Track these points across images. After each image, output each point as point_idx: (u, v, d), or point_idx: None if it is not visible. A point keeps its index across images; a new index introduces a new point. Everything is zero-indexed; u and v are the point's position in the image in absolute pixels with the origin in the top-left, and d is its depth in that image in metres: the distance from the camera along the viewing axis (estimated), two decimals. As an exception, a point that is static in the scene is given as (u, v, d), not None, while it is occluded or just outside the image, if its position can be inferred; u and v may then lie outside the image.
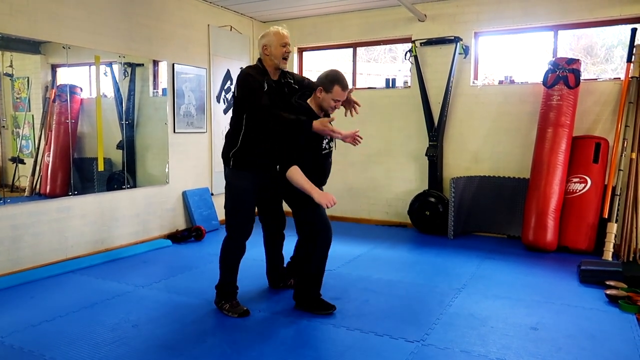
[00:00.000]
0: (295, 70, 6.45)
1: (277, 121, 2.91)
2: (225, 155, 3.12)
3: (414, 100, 5.64)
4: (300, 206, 3.07)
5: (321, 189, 3.08)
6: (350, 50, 6.19)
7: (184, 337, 2.73)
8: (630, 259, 4.41)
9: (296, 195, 3.01)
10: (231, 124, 3.12)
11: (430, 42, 5.49)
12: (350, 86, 3.04)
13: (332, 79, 2.92)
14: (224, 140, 3.17)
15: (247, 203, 3.09)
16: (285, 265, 3.59)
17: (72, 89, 4.26)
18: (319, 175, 3.15)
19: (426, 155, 5.43)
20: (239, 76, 3.03)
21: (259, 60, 3.05)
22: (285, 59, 3.00)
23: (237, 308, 3.07)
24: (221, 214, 5.77)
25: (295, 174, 2.85)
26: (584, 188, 4.57)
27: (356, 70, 6.22)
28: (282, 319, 3.00)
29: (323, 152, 3.15)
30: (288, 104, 3.03)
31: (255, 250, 4.71)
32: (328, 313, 3.06)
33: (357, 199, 6.09)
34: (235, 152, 3.04)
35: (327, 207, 2.89)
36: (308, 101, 3.04)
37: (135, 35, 4.75)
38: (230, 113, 6.01)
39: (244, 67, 6.10)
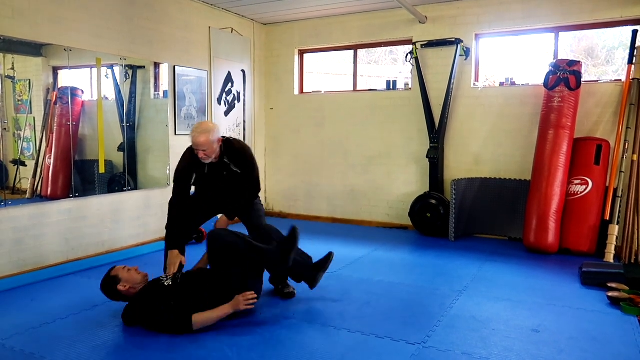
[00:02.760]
0: (296, 72, 6.46)
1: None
2: None
3: (414, 102, 5.64)
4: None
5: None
6: (351, 52, 6.20)
7: (185, 338, 2.72)
8: (632, 261, 4.41)
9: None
10: None
11: (431, 44, 5.49)
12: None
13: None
14: None
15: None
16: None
17: (74, 92, 4.27)
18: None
19: (427, 157, 5.43)
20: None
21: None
22: (203, 160, 3.24)
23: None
24: (222, 216, 5.78)
25: (201, 319, 2.78)
26: (585, 190, 4.56)
27: (357, 72, 6.22)
28: (283, 321, 2.99)
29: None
30: (226, 181, 3.35)
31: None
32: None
33: (358, 201, 6.09)
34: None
35: (249, 307, 2.86)
36: None
37: (137, 37, 4.75)
38: (231, 114, 6.03)
39: (245, 69, 6.16)
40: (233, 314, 2.87)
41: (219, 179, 3.38)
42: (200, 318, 2.75)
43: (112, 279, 2.92)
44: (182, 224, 3.37)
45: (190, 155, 3.34)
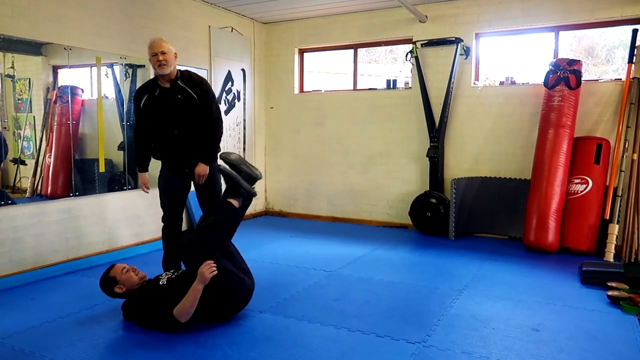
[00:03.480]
0: (296, 71, 6.46)
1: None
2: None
3: (414, 101, 5.64)
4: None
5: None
6: (351, 51, 6.20)
7: (185, 337, 2.72)
8: (632, 260, 4.41)
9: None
10: None
11: (431, 43, 5.49)
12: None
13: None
14: None
15: (165, 197, 3.63)
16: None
17: (74, 90, 4.26)
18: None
19: (427, 156, 5.43)
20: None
21: None
22: (160, 66, 3.28)
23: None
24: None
25: (180, 309, 2.73)
26: (585, 189, 4.56)
27: (357, 71, 6.22)
28: (283, 320, 3.00)
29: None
30: (177, 110, 3.36)
31: (256, 251, 4.72)
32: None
33: (358, 200, 6.09)
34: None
35: (214, 273, 2.77)
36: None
37: (137, 36, 4.75)
38: (231, 113, 6.03)
39: (245, 68, 6.16)
40: (230, 313, 2.87)
41: (173, 103, 3.36)
42: (179, 308, 2.71)
43: (110, 281, 2.93)
44: (147, 148, 3.54)
45: (147, 81, 3.55)
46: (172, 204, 3.62)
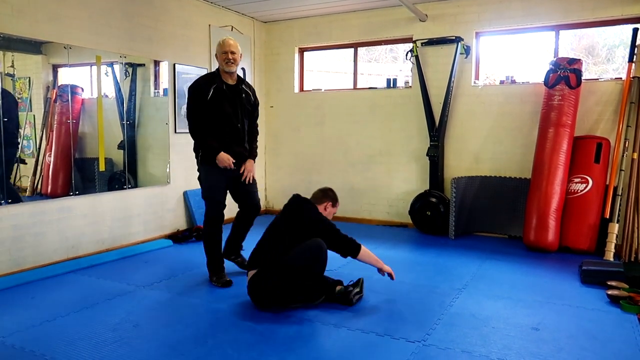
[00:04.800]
0: (296, 70, 6.46)
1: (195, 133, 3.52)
2: (195, 152, 3.60)
3: (415, 100, 5.63)
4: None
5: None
6: (351, 50, 6.19)
7: (185, 337, 2.73)
8: (632, 259, 4.41)
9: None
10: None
11: (431, 42, 5.48)
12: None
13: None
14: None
15: (216, 194, 3.59)
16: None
17: (74, 89, 4.26)
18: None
19: (427, 155, 5.43)
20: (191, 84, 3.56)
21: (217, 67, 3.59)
22: (227, 64, 3.51)
23: (221, 278, 3.59)
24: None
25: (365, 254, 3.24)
26: (585, 188, 4.56)
27: (357, 71, 6.22)
28: (283, 319, 3.00)
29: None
30: (241, 106, 3.56)
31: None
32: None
33: (358, 199, 6.09)
34: (202, 149, 3.53)
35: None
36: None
37: (137, 35, 4.75)
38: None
39: (245, 67, 6.16)
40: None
41: (239, 98, 3.56)
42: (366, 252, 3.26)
43: None
44: (210, 138, 3.50)
45: (207, 74, 3.60)
46: (222, 199, 3.62)
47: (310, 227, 3.20)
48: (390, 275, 3.31)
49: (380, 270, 3.32)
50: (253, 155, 3.72)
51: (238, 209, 3.81)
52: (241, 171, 3.60)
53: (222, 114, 3.48)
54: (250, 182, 3.67)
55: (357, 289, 3.29)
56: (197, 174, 3.64)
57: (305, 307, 3.16)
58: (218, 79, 3.51)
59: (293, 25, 6.37)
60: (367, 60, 7.65)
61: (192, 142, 3.54)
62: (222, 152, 3.45)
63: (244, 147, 3.63)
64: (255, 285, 3.07)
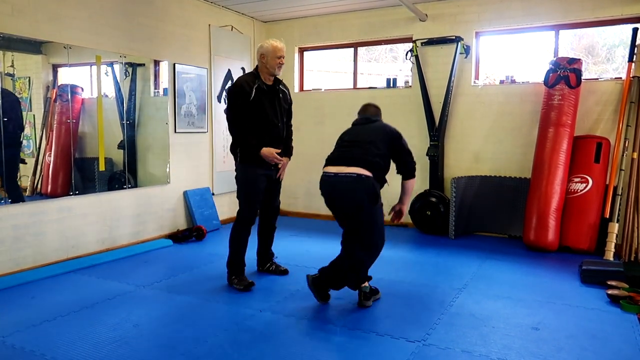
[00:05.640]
0: (296, 71, 6.45)
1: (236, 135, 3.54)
2: (233, 150, 3.61)
3: (415, 100, 5.63)
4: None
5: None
6: (351, 50, 6.19)
7: (185, 336, 2.73)
8: (632, 259, 4.41)
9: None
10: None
11: (431, 42, 5.48)
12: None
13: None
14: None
15: (254, 194, 3.58)
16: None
17: (74, 89, 4.26)
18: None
19: (427, 155, 5.43)
20: (231, 84, 3.60)
21: (256, 66, 3.58)
22: (279, 68, 3.53)
23: (243, 281, 3.53)
24: (222, 214, 5.78)
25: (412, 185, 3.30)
26: (585, 188, 4.56)
27: (357, 70, 6.22)
28: (283, 318, 3.00)
29: None
30: (279, 106, 3.60)
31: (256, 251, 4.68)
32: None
33: (358, 198, 6.08)
34: (242, 148, 3.53)
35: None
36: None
37: (137, 35, 4.75)
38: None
39: (245, 67, 6.16)
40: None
41: (275, 99, 3.59)
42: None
43: None
44: (250, 137, 3.52)
45: (248, 75, 3.61)
46: (259, 200, 3.63)
47: (395, 141, 3.20)
48: (398, 212, 3.35)
49: (400, 204, 3.33)
50: (289, 153, 3.79)
51: (258, 217, 3.79)
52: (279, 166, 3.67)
53: (263, 113, 3.51)
54: (282, 179, 3.76)
55: (379, 295, 3.33)
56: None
57: (306, 306, 3.17)
58: (259, 79, 3.52)
59: (293, 25, 6.37)
60: (367, 60, 7.64)
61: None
62: (265, 148, 3.48)
63: (281, 146, 3.67)
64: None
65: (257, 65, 3.58)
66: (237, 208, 3.66)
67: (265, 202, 3.74)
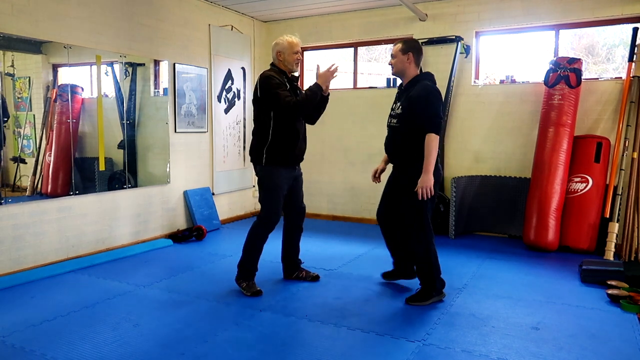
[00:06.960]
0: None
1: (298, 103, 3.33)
2: (257, 152, 3.45)
3: (415, 99, 5.62)
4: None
5: None
6: (352, 49, 6.19)
7: (185, 336, 2.73)
8: (632, 259, 4.41)
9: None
10: (257, 124, 3.46)
11: (431, 42, 5.48)
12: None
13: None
14: (253, 139, 3.51)
15: (280, 196, 3.48)
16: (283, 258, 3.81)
17: (74, 89, 4.26)
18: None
19: (427, 154, 5.42)
20: (261, 79, 3.36)
21: (273, 64, 3.49)
22: (297, 64, 3.46)
23: (252, 287, 3.42)
24: (222, 214, 5.77)
25: (435, 142, 3.15)
26: (585, 187, 4.56)
27: (357, 70, 6.22)
28: (283, 318, 3.00)
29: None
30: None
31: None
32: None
33: (359, 198, 6.09)
34: (268, 149, 3.39)
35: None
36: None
37: (136, 35, 4.75)
38: (231, 112, 6.03)
39: (245, 66, 6.16)
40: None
41: (297, 96, 3.47)
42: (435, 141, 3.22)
43: None
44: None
45: (274, 72, 3.46)
46: (282, 202, 3.55)
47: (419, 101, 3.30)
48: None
49: (426, 173, 3.24)
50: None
51: (284, 222, 3.71)
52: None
53: None
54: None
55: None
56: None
57: (306, 306, 3.17)
58: (285, 76, 3.43)
59: (293, 24, 6.36)
60: (367, 59, 7.64)
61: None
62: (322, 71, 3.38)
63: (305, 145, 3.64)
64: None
65: (272, 64, 3.48)
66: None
67: (290, 203, 3.64)
